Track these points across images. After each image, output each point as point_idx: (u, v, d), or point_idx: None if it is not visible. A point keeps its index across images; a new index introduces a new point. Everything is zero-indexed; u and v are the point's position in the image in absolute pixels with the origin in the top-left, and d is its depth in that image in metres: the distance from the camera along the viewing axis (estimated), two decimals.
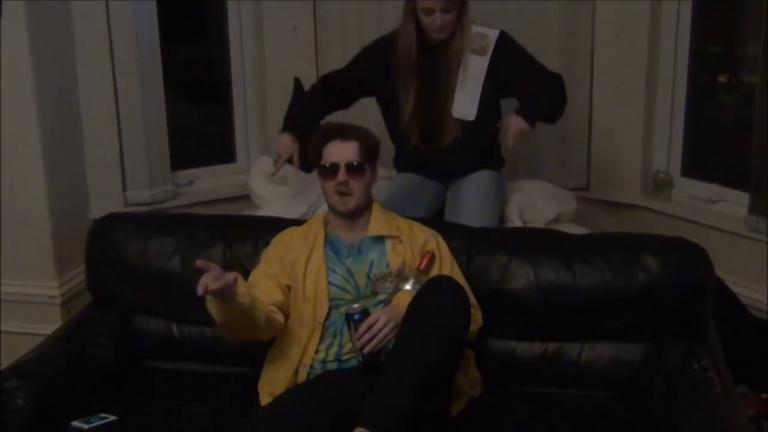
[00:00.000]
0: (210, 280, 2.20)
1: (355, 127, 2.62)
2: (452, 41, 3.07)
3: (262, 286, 2.51)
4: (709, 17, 3.75)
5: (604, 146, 3.84)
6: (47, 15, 3.21)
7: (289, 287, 2.54)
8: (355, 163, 2.53)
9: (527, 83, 3.11)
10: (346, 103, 3.24)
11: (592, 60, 3.80)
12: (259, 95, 3.93)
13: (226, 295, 2.26)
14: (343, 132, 2.58)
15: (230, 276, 2.25)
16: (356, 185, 2.54)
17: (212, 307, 2.32)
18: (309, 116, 3.17)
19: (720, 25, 3.86)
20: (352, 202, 2.55)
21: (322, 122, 3.02)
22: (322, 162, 2.57)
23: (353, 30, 3.79)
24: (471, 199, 3.14)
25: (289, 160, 3.14)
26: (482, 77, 3.08)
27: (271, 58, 3.85)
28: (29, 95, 3.14)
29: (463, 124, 3.10)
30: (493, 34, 3.08)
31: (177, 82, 3.82)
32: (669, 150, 3.79)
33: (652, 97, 3.73)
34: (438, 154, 3.15)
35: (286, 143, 3.12)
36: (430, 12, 3.00)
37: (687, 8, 3.62)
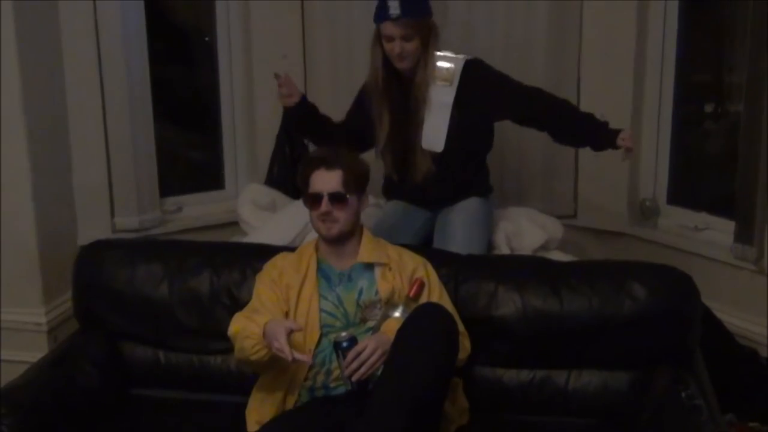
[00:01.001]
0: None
1: (341, 154, 2.61)
2: (417, 72, 3.05)
3: (272, 314, 2.49)
4: (696, 46, 3.79)
5: (590, 174, 3.87)
6: (37, 40, 3.22)
7: (287, 314, 2.54)
8: (337, 193, 2.54)
9: (510, 105, 3.09)
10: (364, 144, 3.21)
11: (578, 87, 3.83)
12: (248, 122, 3.94)
13: None
14: (327, 161, 2.57)
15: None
16: (340, 214, 2.54)
17: (259, 350, 2.36)
18: (323, 121, 3.18)
19: (707, 54, 3.90)
20: (335, 229, 2.55)
21: (312, 150, 3.02)
22: (308, 190, 2.57)
23: (342, 58, 3.82)
24: (459, 227, 3.14)
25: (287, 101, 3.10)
26: (449, 107, 3.04)
27: (260, 85, 3.87)
28: (18, 120, 3.14)
29: (435, 156, 3.07)
30: (458, 63, 3.04)
31: (166, 109, 3.83)
32: (655, 178, 3.81)
33: (638, 125, 3.76)
34: (423, 184, 3.14)
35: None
36: (390, 39, 3.00)
37: (672, 37, 3.66)
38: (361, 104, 3.21)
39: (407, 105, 3.08)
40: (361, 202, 2.61)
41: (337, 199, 2.53)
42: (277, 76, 3.05)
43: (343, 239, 2.58)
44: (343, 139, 3.07)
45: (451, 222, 3.16)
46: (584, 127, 3.06)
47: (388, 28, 2.99)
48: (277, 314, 2.49)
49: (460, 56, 3.07)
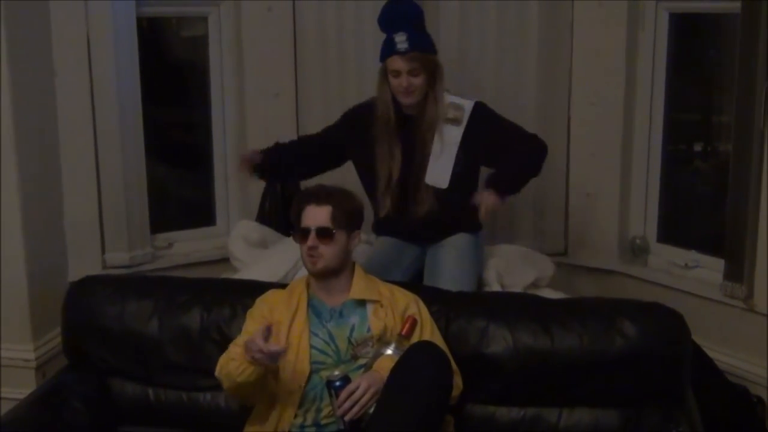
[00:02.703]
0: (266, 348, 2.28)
1: (333, 190, 2.64)
2: (426, 111, 3.09)
3: None
4: (684, 87, 3.82)
5: (581, 212, 3.88)
6: (29, 76, 3.24)
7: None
8: (324, 228, 2.55)
9: (505, 150, 3.13)
10: (319, 167, 3.34)
11: (569, 127, 3.86)
12: (239, 159, 3.93)
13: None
14: (317, 196, 2.60)
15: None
16: (325, 250, 2.55)
17: (245, 369, 2.35)
18: (286, 156, 3.31)
19: (695, 94, 3.93)
20: (320, 264, 2.56)
21: (304, 184, 3.05)
22: (299, 225, 2.59)
23: (334, 96, 3.84)
24: (449, 263, 3.15)
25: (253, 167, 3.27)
26: (456, 146, 3.09)
27: (252, 122, 3.88)
28: (9, 156, 3.14)
29: (437, 193, 3.11)
30: (468, 105, 3.11)
31: (158, 145, 3.84)
32: (645, 216, 3.83)
33: (627, 164, 3.78)
34: (415, 220, 3.17)
35: (256, 152, 3.27)
36: (397, 74, 3.04)
37: (661, 77, 3.69)
38: (350, 127, 3.25)
39: (412, 143, 3.12)
40: (351, 238, 2.61)
41: (323, 234, 2.54)
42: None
43: (329, 275, 2.58)
44: (309, 154, 3.27)
45: (441, 258, 3.17)
46: (508, 168, 3.10)
47: (396, 62, 3.03)
48: None
49: (469, 99, 3.13)
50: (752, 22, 3.08)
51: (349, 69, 3.84)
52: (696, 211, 3.94)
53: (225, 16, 3.83)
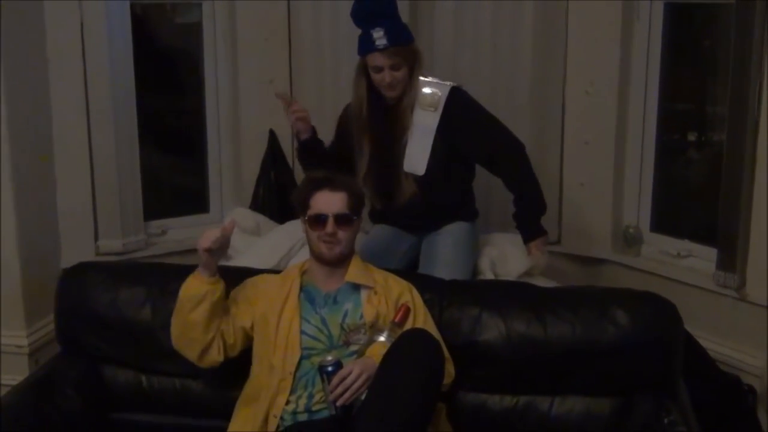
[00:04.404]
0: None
1: (342, 177, 2.64)
2: (402, 99, 3.07)
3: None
4: (679, 76, 3.82)
5: (574, 201, 3.88)
6: (23, 64, 3.23)
7: (244, 329, 2.54)
8: (343, 214, 2.55)
9: (481, 146, 3.14)
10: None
11: (563, 116, 3.86)
12: (233, 146, 3.94)
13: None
14: (332, 182, 2.59)
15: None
16: (344, 235, 2.56)
17: (199, 299, 2.46)
18: (327, 154, 3.23)
19: (690, 84, 3.93)
20: (337, 250, 2.55)
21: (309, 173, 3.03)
22: (311, 211, 2.57)
23: (328, 82, 3.84)
24: (445, 251, 3.15)
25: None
26: (433, 132, 3.07)
27: (246, 109, 3.88)
28: (2, 143, 3.13)
29: (418, 180, 3.10)
30: (443, 90, 3.07)
31: (152, 132, 3.83)
32: (638, 205, 3.83)
33: (621, 153, 3.78)
34: (407, 210, 3.16)
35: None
36: (379, 70, 3.02)
37: (656, 67, 3.70)
38: (343, 133, 3.23)
39: (391, 132, 3.10)
40: (358, 225, 2.63)
41: (343, 220, 2.55)
42: (280, 95, 3.13)
43: (339, 261, 2.58)
44: (334, 167, 3.02)
45: (437, 246, 3.17)
46: (523, 207, 3.18)
47: (377, 59, 3.01)
48: (228, 326, 2.54)
49: (447, 83, 3.10)
50: (747, 12, 3.07)
51: (343, 55, 3.83)
52: (689, 201, 3.95)
53: (219, 3, 3.82)
